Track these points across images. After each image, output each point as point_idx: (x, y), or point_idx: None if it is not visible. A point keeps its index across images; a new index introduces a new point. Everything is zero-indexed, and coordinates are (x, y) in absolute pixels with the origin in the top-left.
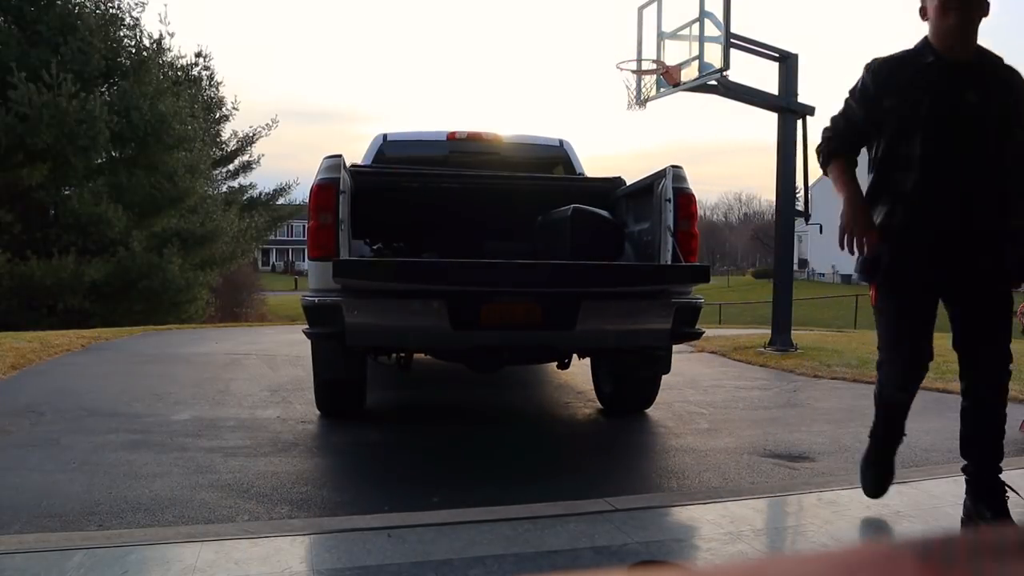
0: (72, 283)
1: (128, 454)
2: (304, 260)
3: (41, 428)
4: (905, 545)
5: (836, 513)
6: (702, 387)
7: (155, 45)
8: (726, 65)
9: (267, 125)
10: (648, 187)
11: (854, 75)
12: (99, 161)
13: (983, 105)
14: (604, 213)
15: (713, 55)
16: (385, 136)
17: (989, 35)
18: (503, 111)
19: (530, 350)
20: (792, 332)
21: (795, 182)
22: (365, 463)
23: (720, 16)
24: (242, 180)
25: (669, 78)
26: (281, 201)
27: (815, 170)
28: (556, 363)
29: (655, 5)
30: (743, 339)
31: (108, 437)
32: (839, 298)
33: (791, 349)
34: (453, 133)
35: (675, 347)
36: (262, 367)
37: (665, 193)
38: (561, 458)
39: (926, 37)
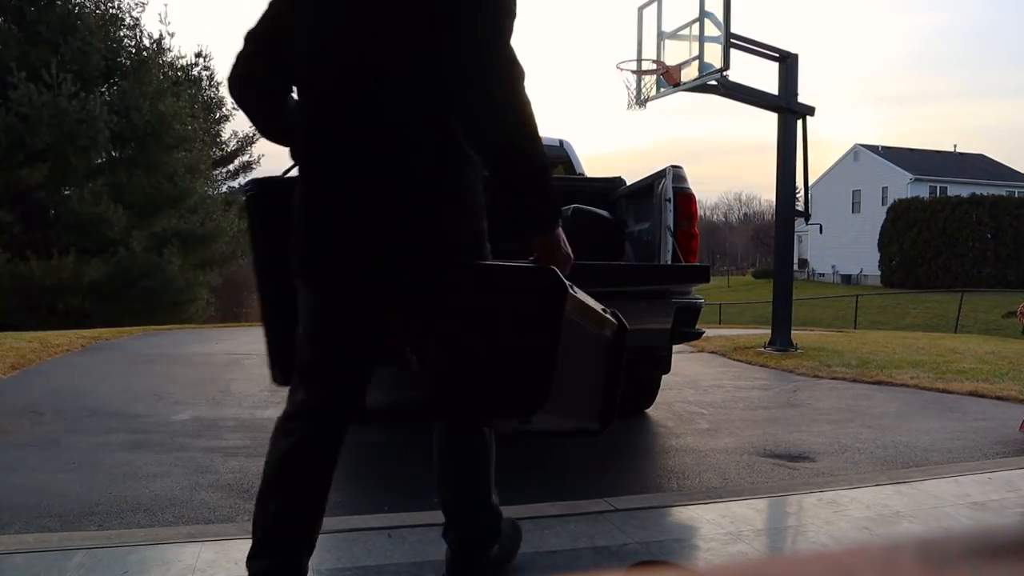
0: (72, 283)
1: (128, 454)
2: None
3: (41, 428)
4: (905, 545)
5: (836, 513)
6: (702, 387)
7: (155, 45)
8: (726, 65)
9: None
10: (648, 187)
11: (854, 75)
12: (99, 161)
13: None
14: (604, 213)
15: (713, 55)
16: None
17: (988, 36)
18: None
19: None
20: (792, 332)
21: (795, 182)
22: (365, 463)
23: (720, 16)
24: (242, 180)
25: (669, 78)
26: None
27: (815, 170)
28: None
29: (655, 5)
30: (743, 339)
31: (108, 437)
32: (839, 298)
33: (791, 349)
34: None
35: (675, 347)
36: (262, 367)
37: (665, 193)
38: (561, 458)
39: None
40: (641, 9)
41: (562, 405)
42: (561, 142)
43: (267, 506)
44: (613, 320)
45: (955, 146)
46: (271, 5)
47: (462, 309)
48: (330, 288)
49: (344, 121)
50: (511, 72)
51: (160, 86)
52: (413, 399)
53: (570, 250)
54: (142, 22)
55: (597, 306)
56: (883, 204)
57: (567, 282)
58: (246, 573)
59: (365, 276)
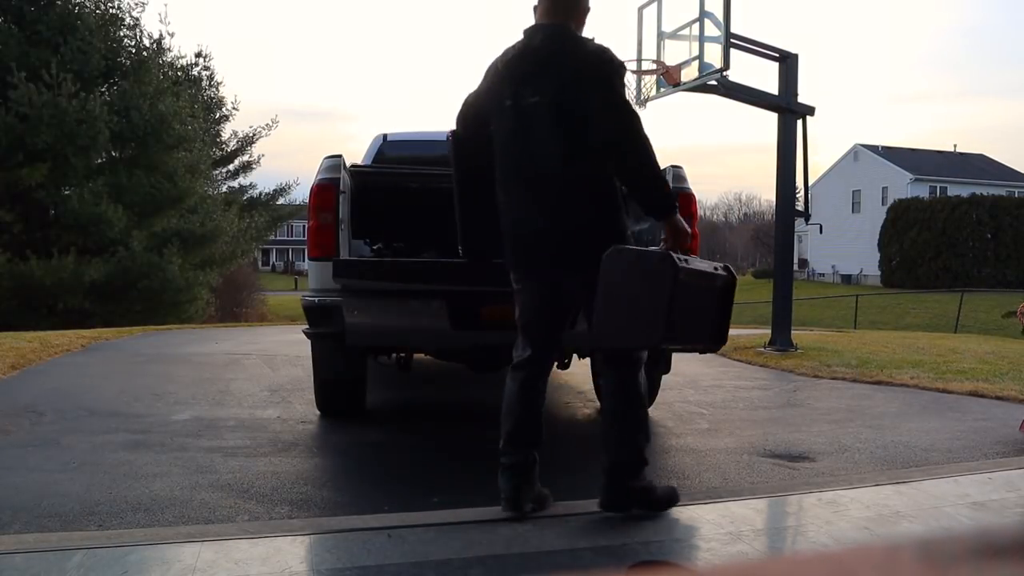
0: (72, 283)
1: (128, 454)
2: (304, 260)
3: (41, 428)
4: (905, 545)
5: (836, 513)
6: (702, 387)
7: (155, 45)
8: (726, 65)
9: (267, 125)
10: None
11: (854, 75)
12: (99, 161)
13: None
14: None
15: (713, 55)
16: (385, 136)
17: (988, 36)
18: None
19: None
20: (792, 332)
21: (795, 182)
22: (365, 463)
23: (720, 16)
24: (242, 180)
25: (669, 78)
26: (281, 201)
27: (815, 170)
28: (556, 363)
29: (655, 5)
30: (743, 339)
31: (108, 437)
32: (839, 298)
33: (791, 349)
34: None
35: None
36: (262, 367)
37: None
38: (561, 458)
39: None
40: (641, 9)
41: (683, 336)
42: None
43: (507, 423)
44: (724, 273)
45: (955, 146)
46: (481, 84)
47: (612, 280)
48: (526, 277)
49: (525, 165)
50: (632, 120)
51: (160, 86)
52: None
53: (687, 226)
54: (142, 22)
55: (709, 267)
56: (883, 204)
57: (682, 257)
58: (246, 573)
59: (546, 267)
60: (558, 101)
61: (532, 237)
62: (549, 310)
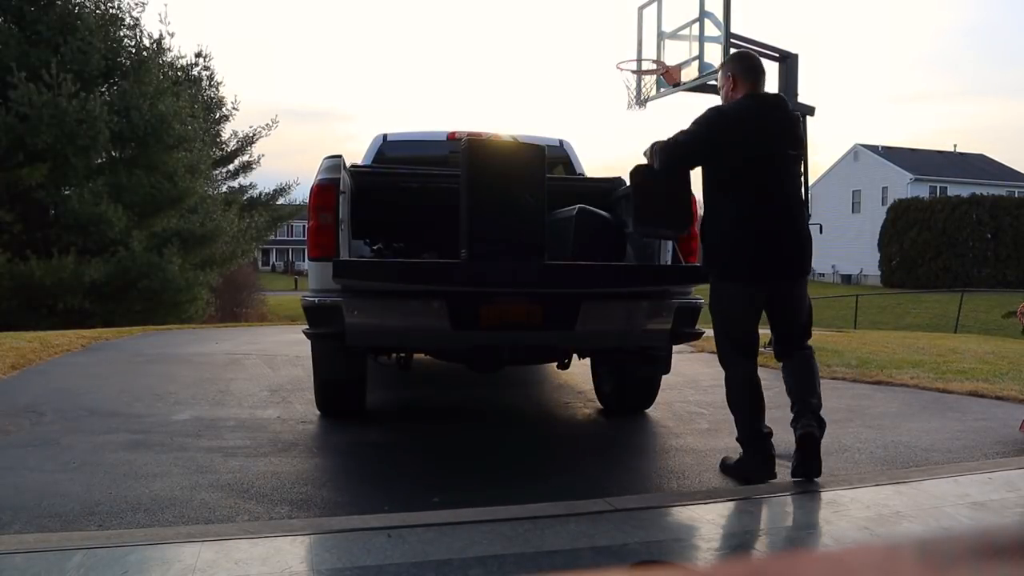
0: (72, 283)
1: (128, 454)
2: (304, 260)
3: (41, 428)
4: (905, 545)
5: (836, 513)
6: (702, 387)
7: (155, 45)
8: None
9: (267, 125)
10: None
11: (854, 75)
12: (99, 161)
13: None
14: (605, 215)
15: (713, 55)
16: (385, 136)
17: (988, 35)
18: (503, 111)
19: (530, 350)
20: None
21: None
22: (365, 463)
23: (720, 16)
24: (242, 180)
25: (669, 78)
26: (281, 201)
27: (815, 170)
28: (556, 363)
29: (655, 5)
30: None
31: (108, 437)
32: (839, 298)
33: None
34: (453, 133)
35: (675, 347)
36: (262, 367)
37: None
38: (561, 458)
39: None
40: (641, 9)
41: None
42: (561, 142)
43: (743, 413)
44: None
45: (955, 146)
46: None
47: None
48: (753, 284)
49: (774, 194)
50: None
51: (160, 86)
52: None
53: None
54: (142, 22)
55: None
56: (883, 204)
57: None
58: (246, 573)
59: (777, 276)
60: (791, 145)
61: (778, 250)
62: (755, 314)
